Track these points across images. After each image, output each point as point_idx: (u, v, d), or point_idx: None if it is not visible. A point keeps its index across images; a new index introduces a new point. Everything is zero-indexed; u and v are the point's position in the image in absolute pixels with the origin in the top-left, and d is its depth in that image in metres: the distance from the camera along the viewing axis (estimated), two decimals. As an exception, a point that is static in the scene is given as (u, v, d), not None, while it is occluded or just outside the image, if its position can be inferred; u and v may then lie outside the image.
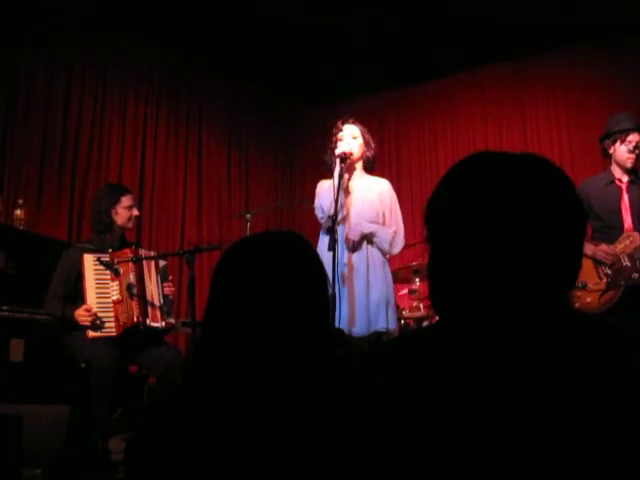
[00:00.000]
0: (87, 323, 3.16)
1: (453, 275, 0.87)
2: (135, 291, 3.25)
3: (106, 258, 3.28)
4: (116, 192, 3.52)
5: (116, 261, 3.26)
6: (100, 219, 3.44)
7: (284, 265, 1.10)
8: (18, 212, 4.07)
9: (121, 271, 3.28)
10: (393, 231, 3.18)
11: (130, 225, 3.52)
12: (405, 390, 0.82)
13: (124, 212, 3.46)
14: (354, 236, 3.06)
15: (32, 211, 4.58)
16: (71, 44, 5.09)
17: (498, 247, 0.82)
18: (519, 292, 0.82)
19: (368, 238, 3.11)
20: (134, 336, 3.23)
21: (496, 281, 0.82)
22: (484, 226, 0.83)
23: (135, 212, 3.52)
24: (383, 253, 3.17)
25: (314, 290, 1.12)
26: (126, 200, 3.47)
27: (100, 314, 3.20)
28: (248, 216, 5.26)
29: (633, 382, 0.75)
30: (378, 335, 3.04)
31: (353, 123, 3.26)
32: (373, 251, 3.12)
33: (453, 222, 0.87)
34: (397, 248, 3.20)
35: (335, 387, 0.97)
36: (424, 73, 6.23)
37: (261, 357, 1.05)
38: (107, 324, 3.21)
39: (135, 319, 3.20)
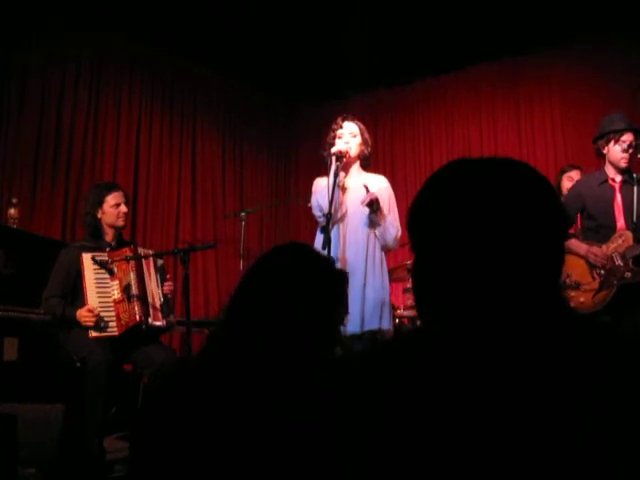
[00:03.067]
0: (90, 324, 3.12)
1: (440, 281, 0.87)
2: (133, 290, 3.22)
3: (104, 257, 3.25)
4: (101, 192, 3.43)
5: (111, 260, 3.24)
6: (87, 222, 3.41)
7: (308, 280, 1.29)
8: (12, 211, 4.05)
9: (116, 270, 3.26)
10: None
11: (120, 223, 3.40)
12: (404, 390, 0.82)
13: (111, 210, 3.37)
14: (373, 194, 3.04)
15: (26, 210, 4.56)
16: (66, 43, 5.07)
17: (485, 251, 0.83)
18: (509, 293, 0.83)
19: (376, 219, 3.07)
20: (132, 335, 3.20)
21: (486, 284, 0.83)
22: (469, 232, 0.84)
23: (123, 209, 3.39)
24: (382, 248, 3.15)
25: (329, 303, 1.31)
26: (112, 198, 3.38)
27: (102, 314, 3.17)
28: (243, 215, 5.27)
29: (624, 380, 0.76)
30: (372, 334, 3.03)
31: (353, 121, 3.24)
32: (372, 248, 3.11)
33: (437, 230, 0.87)
34: (397, 241, 3.18)
35: (332, 385, 0.98)
36: (419, 72, 6.24)
37: (268, 354, 1.17)
38: (109, 324, 3.18)
39: (137, 318, 3.17)
